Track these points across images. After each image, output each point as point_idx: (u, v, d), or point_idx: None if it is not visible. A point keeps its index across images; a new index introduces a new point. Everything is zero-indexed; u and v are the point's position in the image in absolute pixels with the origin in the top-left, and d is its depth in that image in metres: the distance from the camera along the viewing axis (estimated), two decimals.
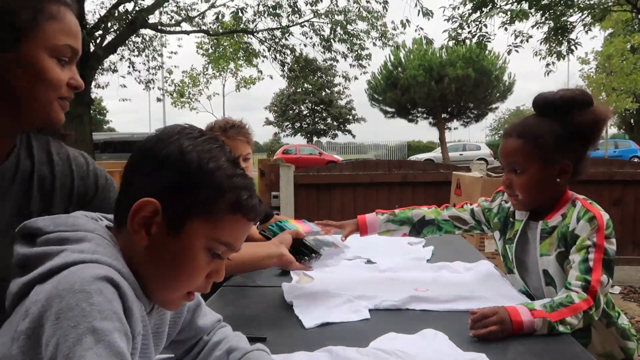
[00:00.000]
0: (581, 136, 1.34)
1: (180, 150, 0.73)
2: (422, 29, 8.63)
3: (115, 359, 0.59)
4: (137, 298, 0.72)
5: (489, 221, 1.58)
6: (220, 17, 9.38)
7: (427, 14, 7.96)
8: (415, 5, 7.97)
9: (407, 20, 8.58)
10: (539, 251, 1.36)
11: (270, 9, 9.20)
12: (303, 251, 1.39)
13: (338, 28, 9.18)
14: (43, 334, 0.60)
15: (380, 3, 9.06)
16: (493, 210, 1.56)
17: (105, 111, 38.25)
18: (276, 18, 9.45)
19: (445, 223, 1.63)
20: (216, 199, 0.73)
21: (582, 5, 7.91)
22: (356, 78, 11.51)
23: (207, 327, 0.96)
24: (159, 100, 12.39)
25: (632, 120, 28.70)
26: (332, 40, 9.50)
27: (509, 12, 7.28)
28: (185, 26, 9.52)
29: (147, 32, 10.04)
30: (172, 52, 13.65)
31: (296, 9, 9.16)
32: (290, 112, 35.07)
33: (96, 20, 8.36)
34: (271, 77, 15.05)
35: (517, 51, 7.71)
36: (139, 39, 10.18)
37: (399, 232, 1.65)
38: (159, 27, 9.06)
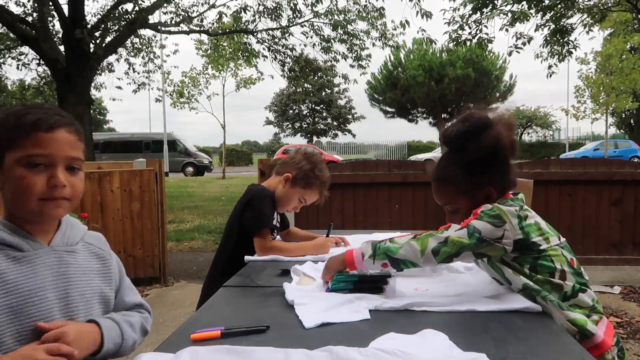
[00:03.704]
0: (485, 162, 1.39)
1: None
2: (424, 30, 8.64)
3: None
4: (6, 245, 0.97)
5: None
6: (220, 17, 9.38)
7: (426, 15, 7.96)
8: (414, 6, 7.97)
9: (407, 21, 8.58)
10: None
11: (270, 10, 9.20)
12: (375, 284, 1.40)
13: (338, 28, 9.17)
14: None
15: (376, 10, 9.05)
16: None
17: (105, 111, 38.25)
18: (276, 18, 9.46)
19: None
20: (12, 133, 0.98)
21: (582, 7, 7.92)
22: (356, 82, 11.51)
23: (127, 304, 1.22)
24: (157, 100, 12.37)
25: (632, 120, 28.71)
26: (332, 40, 9.50)
27: (509, 13, 7.29)
28: (185, 27, 9.52)
29: (147, 32, 10.06)
30: (171, 52, 13.66)
31: (296, 10, 9.16)
32: (291, 112, 35.10)
33: (96, 21, 8.36)
34: (272, 77, 15.10)
35: (518, 52, 7.72)
36: (138, 40, 10.19)
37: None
38: (159, 28, 9.06)
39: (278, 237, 2.28)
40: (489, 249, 1.31)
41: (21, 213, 1.01)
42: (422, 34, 8.71)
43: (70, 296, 1.04)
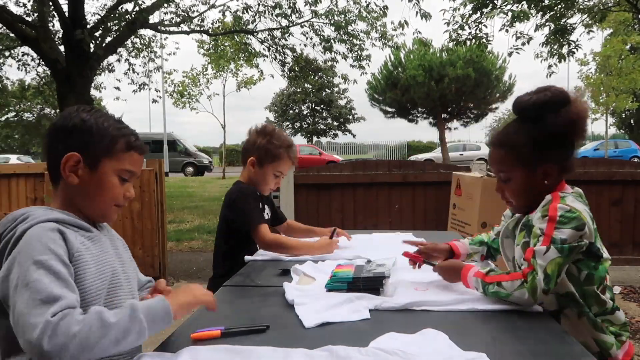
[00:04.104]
0: (559, 137, 1.35)
1: (82, 119, 1.13)
2: (420, 32, 8.65)
3: (51, 275, 0.94)
4: (79, 227, 1.11)
5: None
6: (220, 16, 9.38)
7: (425, 16, 7.95)
8: (414, 6, 7.95)
9: (405, 22, 8.57)
10: (516, 242, 1.42)
11: (270, 9, 9.19)
12: (370, 285, 1.41)
13: (338, 28, 9.17)
14: (10, 274, 0.96)
15: (380, 8, 9.05)
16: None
17: (105, 111, 38.25)
18: (276, 18, 9.45)
19: (494, 242, 1.71)
20: (113, 144, 1.14)
21: (582, 7, 7.91)
22: (355, 82, 11.47)
23: (142, 281, 1.37)
24: (154, 101, 12.34)
25: (632, 120, 28.70)
26: (332, 40, 9.49)
27: (509, 13, 7.28)
28: (185, 27, 9.52)
29: (147, 32, 10.05)
30: (171, 52, 13.65)
31: (296, 9, 9.14)
32: (291, 111, 35.07)
33: (96, 21, 8.36)
34: (272, 77, 15.10)
35: (518, 53, 7.72)
36: (138, 40, 10.18)
37: (478, 254, 1.76)
38: (159, 28, 9.05)
39: (281, 234, 2.28)
40: (575, 253, 1.28)
41: (91, 211, 1.17)
42: (417, 36, 8.74)
43: (125, 265, 1.24)
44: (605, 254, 1.33)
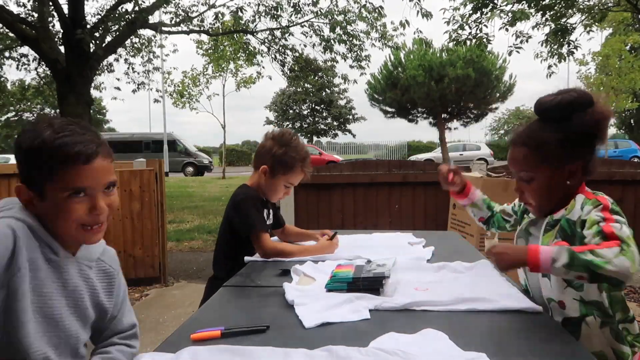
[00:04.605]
0: (585, 137, 1.35)
1: (18, 145, 1.01)
2: (421, 31, 8.62)
3: None
4: (47, 245, 1.02)
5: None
6: (220, 16, 9.37)
7: (426, 15, 7.95)
8: (415, 5, 7.95)
9: (406, 21, 8.57)
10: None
11: (271, 9, 9.18)
12: (370, 285, 1.41)
13: (338, 28, 9.16)
14: None
15: (374, 9, 9.04)
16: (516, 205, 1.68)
17: (105, 111, 38.21)
18: (276, 19, 9.44)
19: (498, 215, 1.76)
20: (50, 164, 0.98)
21: (582, 7, 7.91)
22: (355, 82, 11.44)
23: (125, 326, 1.24)
24: (156, 101, 12.35)
25: (632, 120, 28.71)
26: (332, 40, 9.49)
27: (509, 13, 7.29)
28: (185, 27, 9.52)
29: (147, 32, 10.05)
30: (170, 52, 13.62)
31: (298, 7, 9.14)
32: (291, 111, 35.09)
33: (96, 21, 8.36)
34: (270, 78, 15.11)
35: (517, 52, 7.71)
36: (138, 40, 10.18)
37: (481, 213, 1.81)
38: (159, 28, 9.05)
39: (275, 237, 2.27)
40: None
41: (62, 236, 1.06)
42: (418, 35, 8.72)
43: (77, 305, 1.11)
44: None
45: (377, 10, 8.99)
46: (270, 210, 2.16)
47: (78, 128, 1.03)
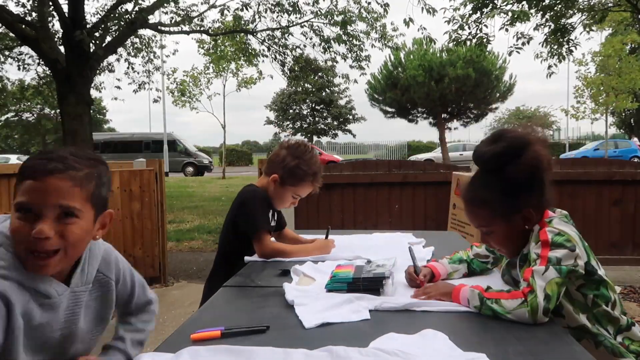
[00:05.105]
0: (525, 183, 1.33)
1: None
2: (425, 28, 8.59)
3: None
4: (36, 291, 0.96)
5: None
6: (220, 16, 9.38)
7: (430, 11, 7.93)
8: (419, 2, 7.95)
9: (411, 19, 8.54)
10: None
11: (272, 7, 9.18)
12: (370, 285, 1.41)
13: (337, 28, 9.16)
14: None
15: (381, 5, 9.05)
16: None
17: (105, 110, 38.20)
18: (276, 19, 9.45)
19: (473, 262, 1.67)
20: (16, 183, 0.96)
21: (582, 7, 7.91)
22: (355, 82, 11.44)
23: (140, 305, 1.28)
24: (155, 101, 12.33)
25: (632, 120, 28.70)
26: (332, 40, 9.49)
27: (509, 13, 7.28)
28: (185, 27, 9.51)
29: (147, 32, 10.05)
30: (170, 52, 13.63)
31: (297, 7, 9.14)
32: (291, 111, 35.09)
33: (96, 21, 8.36)
34: (272, 77, 15.10)
35: (518, 52, 7.72)
36: (138, 40, 10.18)
37: (460, 272, 1.67)
38: (159, 28, 9.05)
39: (272, 238, 2.27)
40: (573, 277, 1.26)
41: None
42: (423, 32, 8.69)
43: (71, 330, 1.08)
44: (600, 270, 1.31)
45: (383, 7, 8.98)
46: (275, 212, 2.17)
47: (63, 151, 1.00)
